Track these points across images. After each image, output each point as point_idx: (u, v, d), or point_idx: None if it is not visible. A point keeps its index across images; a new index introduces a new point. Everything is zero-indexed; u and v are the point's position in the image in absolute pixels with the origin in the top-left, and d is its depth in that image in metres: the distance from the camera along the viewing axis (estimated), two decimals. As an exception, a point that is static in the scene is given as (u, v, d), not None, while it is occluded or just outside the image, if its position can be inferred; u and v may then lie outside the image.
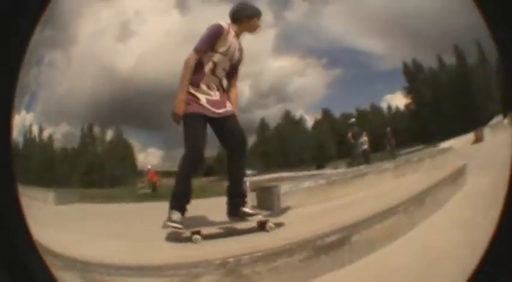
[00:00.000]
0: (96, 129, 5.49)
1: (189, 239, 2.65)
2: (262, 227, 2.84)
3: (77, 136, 5.27)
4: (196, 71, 2.96)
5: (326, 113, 11.29)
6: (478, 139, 7.03)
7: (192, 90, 2.96)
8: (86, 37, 5.05)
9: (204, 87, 2.97)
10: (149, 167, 7.83)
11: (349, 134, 7.98)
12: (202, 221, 3.18)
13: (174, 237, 2.78)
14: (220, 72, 3.05)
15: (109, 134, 5.72)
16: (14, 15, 1.15)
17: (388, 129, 9.10)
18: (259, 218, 2.90)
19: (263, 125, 9.69)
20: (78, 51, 4.99)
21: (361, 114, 11.60)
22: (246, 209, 2.97)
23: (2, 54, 1.15)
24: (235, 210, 2.96)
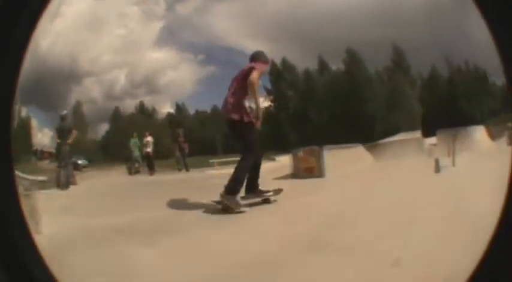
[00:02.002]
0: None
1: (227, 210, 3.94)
2: (267, 201, 4.26)
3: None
4: (246, 90, 4.09)
5: (180, 109, 11.22)
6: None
7: (247, 104, 4.13)
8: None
9: (247, 103, 4.18)
10: (41, 147, 7.78)
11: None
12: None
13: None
14: None
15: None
16: (14, 15, 1.15)
17: (181, 130, 8.52)
18: (270, 194, 4.26)
19: (116, 115, 9.60)
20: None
21: (215, 114, 11.49)
22: (262, 188, 4.28)
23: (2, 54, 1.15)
24: (254, 189, 4.21)
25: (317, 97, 14.14)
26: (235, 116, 4.06)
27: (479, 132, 11.21)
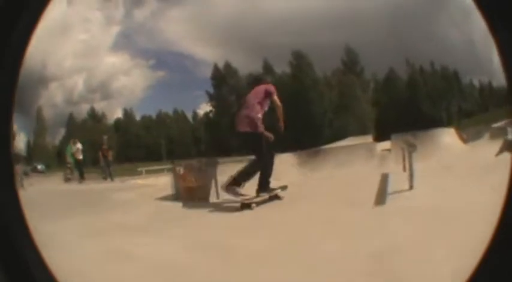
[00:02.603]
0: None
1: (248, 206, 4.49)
2: (277, 197, 4.88)
3: None
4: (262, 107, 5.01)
5: (128, 114, 11.30)
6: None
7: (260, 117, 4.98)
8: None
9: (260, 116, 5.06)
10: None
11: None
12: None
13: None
14: None
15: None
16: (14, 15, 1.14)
17: (105, 137, 8.47)
18: (278, 191, 4.88)
19: (70, 120, 9.66)
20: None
21: (160, 120, 11.63)
22: (273, 186, 4.91)
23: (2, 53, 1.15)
24: (266, 186, 4.81)
25: None
26: (251, 129, 4.92)
27: (447, 135, 10.02)
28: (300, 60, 14.33)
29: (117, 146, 9.38)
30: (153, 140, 11.29)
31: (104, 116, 10.40)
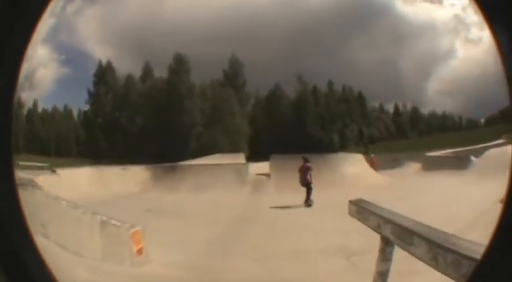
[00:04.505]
0: None
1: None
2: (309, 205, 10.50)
3: None
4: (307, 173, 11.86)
5: (36, 107, 11.16)
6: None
7: (308, 177, 11.69)
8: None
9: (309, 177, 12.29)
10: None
11: None
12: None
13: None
14: None
15: None
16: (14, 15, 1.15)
17: None
18: (310, 203, 10.59)
19: None
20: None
21: (52, 116, 11.45)
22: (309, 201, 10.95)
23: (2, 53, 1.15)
24: (306, 201, 10.89)
25: (132, 104, 12.79)
26: (307, 181, 10.76)
27: (355, 162, 8.93)
28: (179, 66, 13.63)
29: (23, 136, 9.09)
30: (47, 134, 11.06)
31: (22, 105, 10.29)
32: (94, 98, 14.52)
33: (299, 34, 13.29)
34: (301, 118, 14.90)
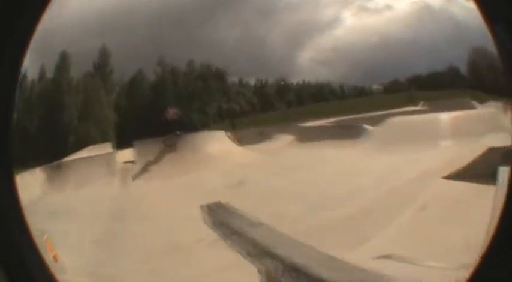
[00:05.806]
0: None
1: None
2: None
3: None
4: None
5: None
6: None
7: None
8: None
9: None
10: None
11: None
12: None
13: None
14: None
15: None
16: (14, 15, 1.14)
17: None
18: None
19: None
20: None
21: None
22: None
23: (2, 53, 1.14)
24: None
25: (31, 105, 12.77)
26: None
27: (218, 140, 8.53)
28: (61, 63, 13.58)
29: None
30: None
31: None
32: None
33: (162, 18, 13.43)
34: (160, 100, 14.35)
